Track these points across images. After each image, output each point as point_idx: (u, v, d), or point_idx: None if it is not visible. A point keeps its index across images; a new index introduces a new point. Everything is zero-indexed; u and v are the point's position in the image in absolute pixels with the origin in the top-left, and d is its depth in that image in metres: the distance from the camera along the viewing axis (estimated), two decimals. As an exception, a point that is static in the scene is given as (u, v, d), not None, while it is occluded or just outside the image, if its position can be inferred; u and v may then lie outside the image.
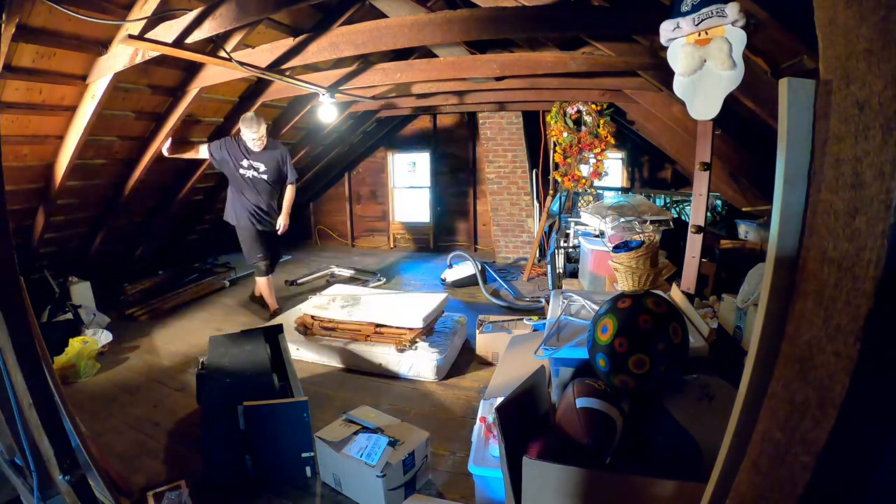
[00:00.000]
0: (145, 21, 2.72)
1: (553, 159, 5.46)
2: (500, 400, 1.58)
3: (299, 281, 5.97)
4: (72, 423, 1.70)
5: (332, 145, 7.14)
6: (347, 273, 6.22)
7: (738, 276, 2.76)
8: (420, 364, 3.34)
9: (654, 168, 7.27)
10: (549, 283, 4.88)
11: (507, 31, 2.81)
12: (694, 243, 2.84)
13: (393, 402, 3.06)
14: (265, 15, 2.61)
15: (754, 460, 0.73)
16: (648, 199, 5.03)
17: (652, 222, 3.72)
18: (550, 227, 5.66)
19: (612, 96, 4.71)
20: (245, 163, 4.10)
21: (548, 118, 5.36)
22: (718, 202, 5.42)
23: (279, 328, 3.18)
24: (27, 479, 1.63)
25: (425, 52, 4.47)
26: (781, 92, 0.71)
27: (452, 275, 5.53)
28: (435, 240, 7.77)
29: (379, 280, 5.88)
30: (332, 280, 6.00)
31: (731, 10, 1.68)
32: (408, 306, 3.76)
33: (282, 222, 4.26)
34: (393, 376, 3.41)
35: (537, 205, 6.34)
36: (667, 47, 1.94)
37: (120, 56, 3.03)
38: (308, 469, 2.30)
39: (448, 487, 2.26)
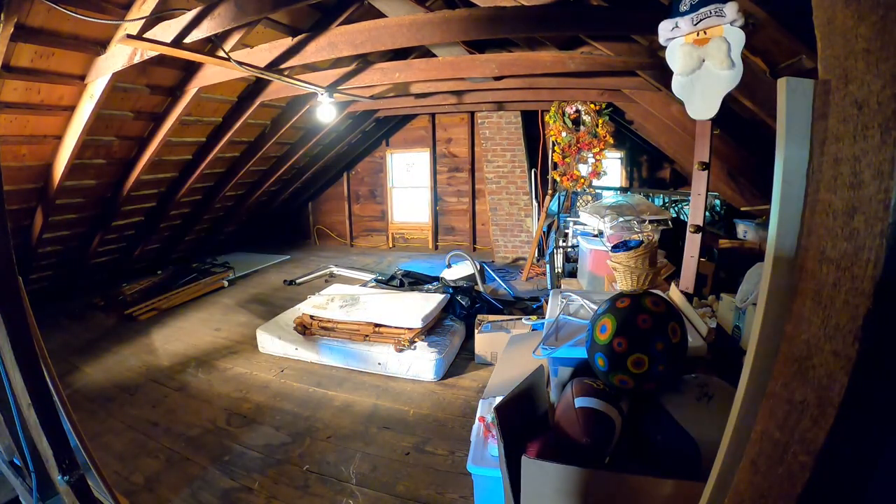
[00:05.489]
0: (144, 21, 2.71)
1: (552, 159, 5.46)
2: (498, 399, 1.58)
3: (298, 281, 5.96)
4: (70, 423, 1.70)
5: (330, 145, 7.13)
6: (347, 273, 6.22)
7: (736, 276, 2.76)
8: (419, 364, 3.34)
9: (652, 167, 7.28)
10: (548, 282, 4.88)
11: (505, 30, 2.81)
12: (693, 243, 2.84)
13: (392, 402, 3.07)
14: (263, 15, 2.61)
15: (753, 460, 0.73)
16: (647, 198, 5.03)
17: (650, 222, 3.72)
18: (549, 226, 5.66)
19: (611, 96, 4.72)
20: None
21: (546, 118, 5.36)
22: (717, 202, 5.42)
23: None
24: (26, 479, 1.63)
25: (424, 52, 4.47)
26: (780, 91, 0.71)
27: (451, 274, 5.53)
28: (434, 239, 7.77)
29: (378, 280, 5.87)
30: (330, 280, 6.00)
31: (730, 9, 1.68)
32: (407, 306, 3.76)
33: None
34: (392, 376, 3.41)
35: (536, 204, 6.34)
36: (665, 47, 1.94)
37: (118, 56, 3.02)
38: None
39: (447, 487, 2.27)
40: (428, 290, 3.91)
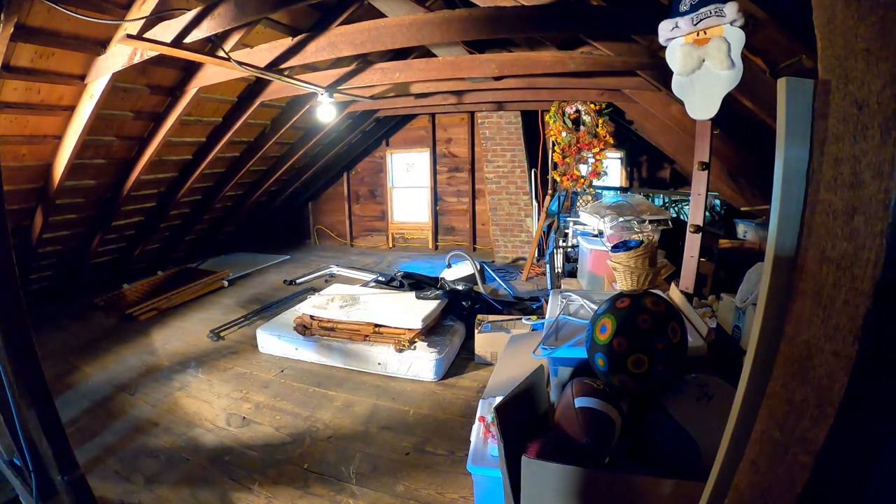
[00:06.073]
0: (144, 21, 2.71)
1: (552, 159, 5.46)
2: (498, 399, 1.58)
3: (298, 280, 5.97)
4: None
5: (330, 145, 7.13)
6: (347, 273, 6.21)
7: (736, 276, 2.76)
8: (419, 364, 3.34)
9: (652, 167, 7.28)
10: (548, 282, 4.88)
11: (505, 30, 2.81)
12: (693, 243, 2.84)
13: (392, 402, 3.07)
14: (264, 14, 2.61)
15: (753, 460, 0.73)
16: (647, 198, 5.03)
17: (651, 222, 3.72)
18: (549, 226, 5.66)
19: (611, 96, 4.71)
20: None
21: (546, 118, 5.36)
22: (717, 202, 5.42)
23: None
24: (26, 479, 1.63)
25: (424, 52, 4.47)
26: (780, 91, 0.71)
27: (451, 274, 5.53)
28: (434, 239, 7.77)
29: (379, 280, 5.87)
30: (330, 280, 6.00)
31: (730, 9, 1.68)
32: (407, 307, 3.75)
33: None
34: (392, 376, 3.41)
35: (536, 204, 6.34)
36: (665, 47, 1.94)
37: (118, 56, 3.03)
38: None
39: (447, 487, 2.27)
40: (426, 298, 3.88)
